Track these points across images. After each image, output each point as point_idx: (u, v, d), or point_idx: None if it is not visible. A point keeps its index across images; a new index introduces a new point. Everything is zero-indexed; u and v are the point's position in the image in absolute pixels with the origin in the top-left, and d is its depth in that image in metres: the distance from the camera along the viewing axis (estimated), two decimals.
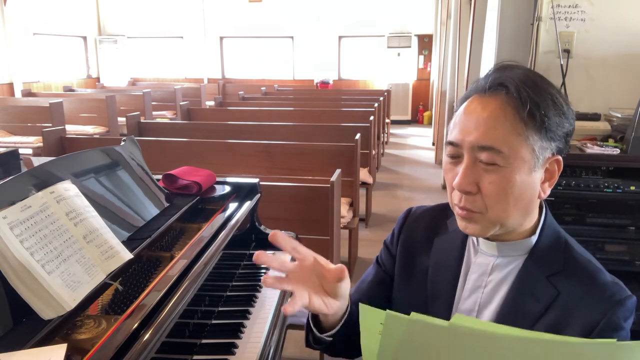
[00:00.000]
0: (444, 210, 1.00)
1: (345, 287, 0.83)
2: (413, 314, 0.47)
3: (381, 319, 0.50)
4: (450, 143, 0.84)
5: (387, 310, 0.48)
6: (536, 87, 0.80)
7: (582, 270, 0.84)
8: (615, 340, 0.50)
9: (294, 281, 0.80)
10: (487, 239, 0.88)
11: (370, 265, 1.09)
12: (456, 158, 0.84)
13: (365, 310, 0.51)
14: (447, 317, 0.90)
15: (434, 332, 0.49)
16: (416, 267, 0.97)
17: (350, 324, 0.87)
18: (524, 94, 0.78)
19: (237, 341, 1.26)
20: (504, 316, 0.85)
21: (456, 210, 0.85)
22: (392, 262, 1.03)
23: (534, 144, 0.79)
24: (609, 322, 0.78)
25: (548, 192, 0.85)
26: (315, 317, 0.89)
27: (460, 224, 0.86)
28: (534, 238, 0.87)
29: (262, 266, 1.66)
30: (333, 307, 0.82)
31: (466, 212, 0.83)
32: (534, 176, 0.81)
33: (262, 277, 0.77)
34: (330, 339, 0.88)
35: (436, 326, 0.48)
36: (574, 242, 0.89)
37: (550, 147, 0.81)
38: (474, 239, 0.92)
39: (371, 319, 0.52)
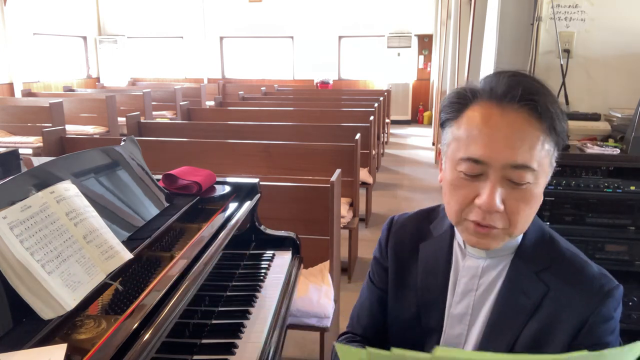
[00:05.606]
0: (426, 216, 1.01)
1: None
2: (394, 349, 0.47)
3: (362, 356, 0.49)
4: (474, 160, 0.78)
5: (368, 348, 0.48)
6: (551, 97, 0.79)
7: (569, 264, 0.85)
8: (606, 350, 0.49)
9: None
10: None
11: (363, 282, 1.07)
12: (475, 175, 0.79)
13: (343, 350, 0.51)
14: (441, 323, 0.92)
15: None
16: (407, 275, 0.97)
17: None
18: (548, 106, 0.77)
19: (237, 341, 1.26)
20: (498, 315, 0.86)
21: (470, 227, 0.81)
22: (385, 275, 1.02)
23: (552, 155, 0.81)
24: (600, 313, 0.80)
25: None
26: None
27: (471, 239, 0.82)
28: (520, 237, 0.87)
29: (262, 266, 1.66)
30: None
31: (486, 229, 0.79)
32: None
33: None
34: None
35: (419, 359, 0.48)
36: (559, 237, 0.90)
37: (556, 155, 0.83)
38: (461, 242, 0.92)
39: (350, 357, 0.51)
